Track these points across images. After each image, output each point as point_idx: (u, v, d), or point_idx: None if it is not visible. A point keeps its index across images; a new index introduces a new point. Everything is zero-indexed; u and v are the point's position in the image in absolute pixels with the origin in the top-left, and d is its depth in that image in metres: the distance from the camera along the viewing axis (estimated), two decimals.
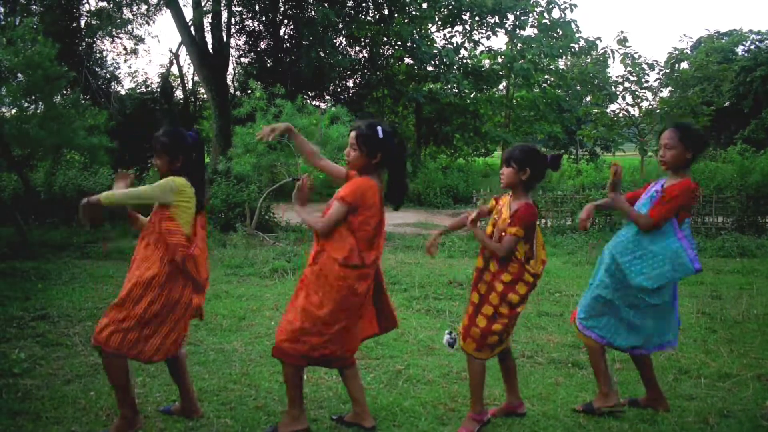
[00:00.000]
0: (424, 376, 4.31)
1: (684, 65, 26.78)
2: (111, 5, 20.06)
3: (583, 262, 9.36)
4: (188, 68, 25.04)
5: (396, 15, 23.70)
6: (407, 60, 24.91)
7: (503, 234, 3.44)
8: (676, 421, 3.62)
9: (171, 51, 25.24)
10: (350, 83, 24.69)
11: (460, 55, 24.96)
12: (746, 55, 37.01)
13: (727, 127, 35.66)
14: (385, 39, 24.03)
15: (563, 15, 24.04)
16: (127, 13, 20.81)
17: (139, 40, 21.83)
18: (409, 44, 23.37)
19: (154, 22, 26.86)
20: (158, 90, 23.95)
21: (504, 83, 25.92)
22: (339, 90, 24.18)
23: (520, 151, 3.52)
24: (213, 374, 4.32)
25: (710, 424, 3.59)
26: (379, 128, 3.40)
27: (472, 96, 25.85)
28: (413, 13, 23.78)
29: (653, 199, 3.65)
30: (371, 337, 3.64)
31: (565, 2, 23.91)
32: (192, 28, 19.50)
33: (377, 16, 23.88)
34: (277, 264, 8.49)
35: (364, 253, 3.31)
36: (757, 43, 37.45)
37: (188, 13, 19.56)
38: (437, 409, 3.79)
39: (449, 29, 25.36)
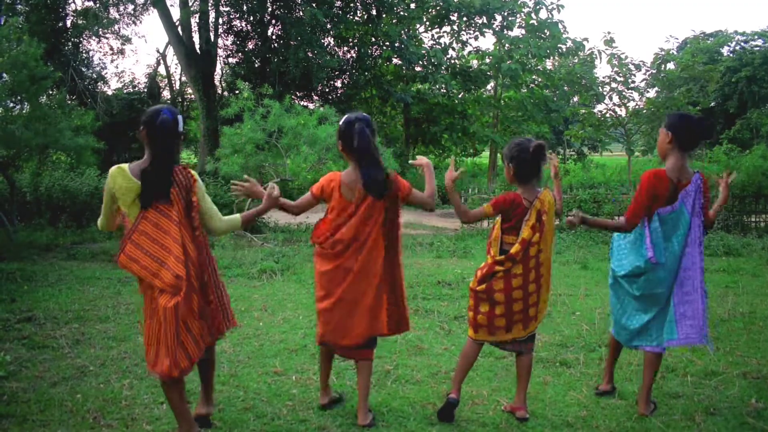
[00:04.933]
0: (413, 376, 4.32)
1: (670, 66, 26.97)
2: (97, 5, 19.94)
3: (571, 261, 9.40)
4: (175, 68, 24.96)
5: (384, 15, 23.70)
6: (395, 60, 24.92)
7: None
8: (663, 419, 3.64)
9: (158, 51, 25.12)
10: (338, 83, 24.66)
11: (448, 56, 25.01)
12: (731, 55, 37.31)
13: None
14: (374, 39, 24.03)
15: (550, 16, 24.18)
16: (113, 13, 20.70)
17: (126, 40, 21.72)
18: (397, 45, 23.38)
19: (141, 21, 26.73)
20: (145, 90, 23.83)
21: (492, 83, 26.00)
22: (327, 90, 24.15)
23: (507, 147, 3.68)
24: None
25: (697, 421, 3.61)
26: (342, 120, 3.65)
27: (460, 96, 25.92)
28: (401, 13, 23.80)
29: None
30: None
31: (552, 3, 24.03)
32: (179, 28, 19.40)
33: (365, 17, 23.87)
34: (265, 265, 8.47)
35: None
36: (742, 44, 37.76)
37: (175, 13, 19.47)
38: (426, 409, 3.79)
39: (437, 30, 25.41)
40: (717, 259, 9.72)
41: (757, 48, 36.35)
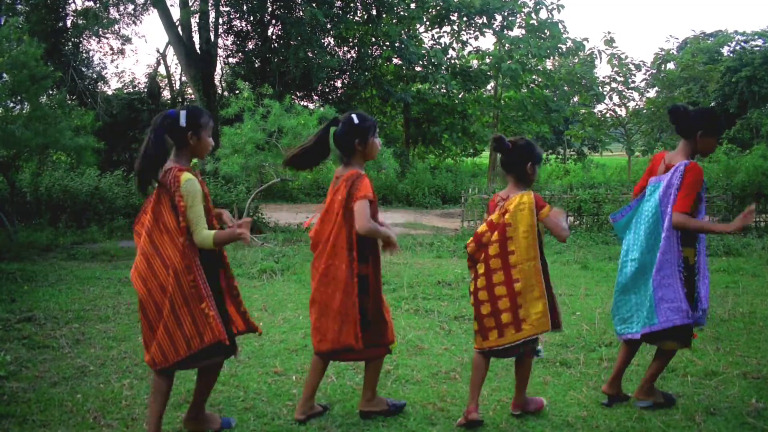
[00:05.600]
0: (413, 376, 4.32)
1: (670, 66, 26.98)
2: (97, 5, 19.94)
3: (571, 261, 9.40)
4: (176, 68, 24.93)
5: (384, 15, 23.71)
6: (395, 60, 24.92)
7: None
8: (663, 419, 3.64)
9: (158, 51, 25.10)
10: (338, 83, 24.67)
11: (448, 56, 25.00)
12: (732, 55, 37.26)
13: None
14: (374, 39, 24.03)
15: (550, 16, 24.15)
16: (113, 13, 20.70)
17: (126, 40, 21.72)
18: (397, 44, 23.39)
19: (141, 21, 26.73)
20: (145, 90, 23.82)
21: (492, 83, 25.98)
22: (327, 90, 24.16)
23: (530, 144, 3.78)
24: None
25: (697, 422, 3.61)
26: (353, 115, 3.67)
27: (460, 96, 25.91)
28: (401, 13, 23.80)
29: None
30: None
31: (552, 3, 24.01)
32: (179, 28, 19.41)
33: (365, 17, 23.88)
34: (265, 265, 8.47)
35: None
36: (742, 43, 37.71)
37: (175, 13, 19.49)
38: (426, 408, 3.80)
39: (437, 30, 25.41)
40: (717, 259, 9.71)
41: (757, 48, 36.31)
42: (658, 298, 3.65)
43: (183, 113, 3.27)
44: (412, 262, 9.16)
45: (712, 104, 34.53)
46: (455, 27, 24.99)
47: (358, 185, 3.47)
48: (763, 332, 5.44)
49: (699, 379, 4.29)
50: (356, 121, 3.59)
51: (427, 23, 25.28)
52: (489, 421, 3.62)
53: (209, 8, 19.96)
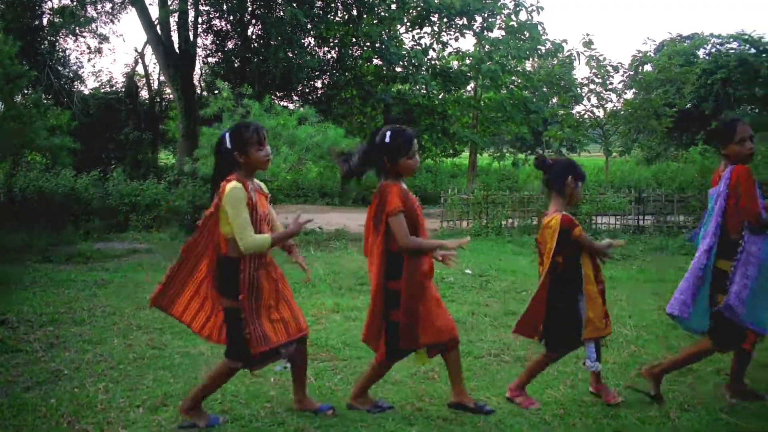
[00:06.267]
0: (392, 377, 4.31)
1: (647, 68, 27.28)
2: (74, 3, 19.69)
3: None
4: (154, 68, 24.69)
5: (365, 16, 23.68)
6: (376, 61, 24.90)
7: None
8: (639, 416, 3.68)
9: (136, 50, 24.78)
10: (318, 84, 24.58)
11: (429, 57, 25.03)
12: (707, 58, 37.74)
13: (689, 129, 36.39)
14: (354, 40, 23.99)
15: (530, 17, 24.28)
16: (91, 11, 20.46)
17: (104, 38, 21.47)
18: (377, 45, 23.37)
19: (118, 20, 26.39)
20: (123, 90, 23.57)
21: (472, 84, 26.08)
22: (307, 90, 24.07)
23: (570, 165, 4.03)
24: (178, 378, 4.26)
25: (672, 418, 3.66)
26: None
27: (440, 97, 25.96)
28: (382, 14, 23.79)
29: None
30: None
31: (532, 5, 24.17)
32: (158, 27, 19.22)
33: (346, 17, 23.84)
34: None
35: None
36: (717, 46, 38.21)
37: (154, 12, 19.30)
38: (404, 409, 3.80)
39: (418, 30, 25.43)
40: (693, 258, 9.82)
41: (732, 51, 36.83)
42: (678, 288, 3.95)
43: (227, 135, 3.47)
44: None
45: (688, 105, 34.97)
46: (436, 28, 25.04)
47: (387, 198, 3.53)
48: None
49: (674, 377, 4.34)
50: (387, 139, 3.61)
51: (408, 24, 25.30)
52: (467, 420, 3.63)
53: (188, 7, 19.78)
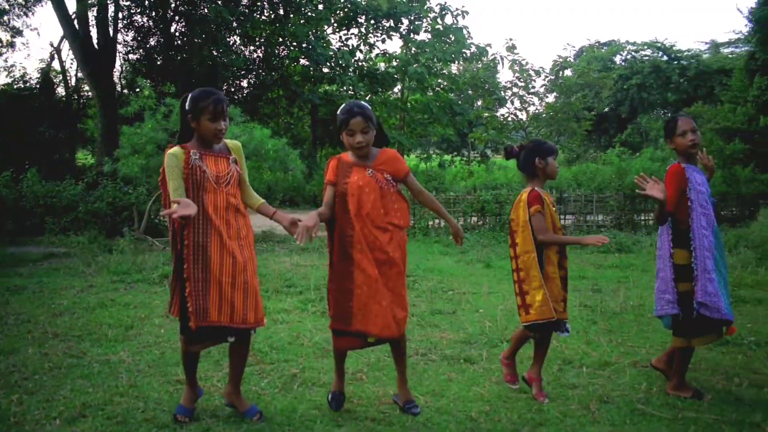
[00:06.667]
0: (320, 379, 4.30)
1: (568, 72, 28.23)
2: None
3: (474, 260, 9.64)
4: (71, 64, 23.68)
5: (291, 15, 23.48)
6: (303, 61, 24.74)
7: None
8: (561, 410, 3.80)
9: (52, 45, 23.77)
10: (244, 83, 24.20)
11: (356, 58, 25.08)
12: (623, 64, 39.40)
13: (607, 131, 37.92)
14: (281, 39, 23.74)
15: (455, 21, 24.70)
16: (3, 3, 19.41)
17: (17, 32, 20.43)
18: (304, 45, 23.22)
19: (33, 13, 25.22)
20: (38, 86, 22.49)
21: (398, 86, 26.31)
22: (233, 90, 23.65)
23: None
24: (98, 387, 4.10)
25: (591, 410, 3.80)
26: (364, 102, 3.73)
27: (367, 98, 26.05)
28: (309, 14, 23.65)
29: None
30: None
31: (457, 9, 24.61)
32: (75, 22, 18.44)
33: (272, 16, 23.57)
34: (167, 269, 8.17)
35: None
36: (633, 53, 39.94)
37: (71, 6, 18.50)
38: (333, 411, 3.78)
39: (345, 31, 25.43)
40: (611, 255, 10.25)
41: (646, 57, 38.59)
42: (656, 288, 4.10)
43: (188, 96, 3.50)
44: (320, 264, 9.12)
45: (606, 109, 36.37)
46: (363, 29, 25.11)
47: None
48: (651, 324, 5.77)
49: (593, 370, 4.51)
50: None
51: (335, 25, 25.26)
52: (396, 420, 3.65)
53: (108, 2, 19.07)
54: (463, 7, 24.49)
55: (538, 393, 3.98)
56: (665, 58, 36.79)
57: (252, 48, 24.20)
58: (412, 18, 24.44)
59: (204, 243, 3.39)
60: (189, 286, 3.37)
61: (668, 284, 3.96)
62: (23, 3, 19.72)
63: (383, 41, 25.36)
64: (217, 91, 3.57)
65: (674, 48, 37.19)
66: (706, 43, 41.45)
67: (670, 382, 4.10)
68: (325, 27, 25.06)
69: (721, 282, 3.97)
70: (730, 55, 35.06)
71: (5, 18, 19.61)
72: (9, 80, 21.97)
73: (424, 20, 24.77)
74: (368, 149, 3.72)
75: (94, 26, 19.04)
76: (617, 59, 39.29)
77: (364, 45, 25.32)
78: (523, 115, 27.13)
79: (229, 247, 3.44)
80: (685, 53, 36.74)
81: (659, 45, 37.47)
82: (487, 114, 28.10)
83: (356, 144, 3.65)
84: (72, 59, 22.01)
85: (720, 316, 3.88)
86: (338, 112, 3.73)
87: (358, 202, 3.64)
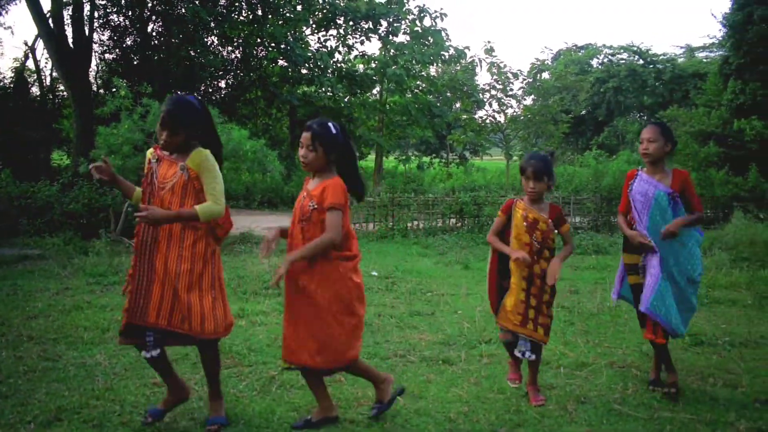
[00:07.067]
0: (298, 381, 4.28)
1: (545, 75, 28.50)
2: None
3: (453, 262, 9.68)
4: (46, 63, 23.36)
5: (270, 16, 23.40)
6: (281, 62, 24.67)
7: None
8: (538, 410, 3.83)
9: (26, 44, 23.37)
10: (222, 84, 24.06)
11: (335, 59, 25.07)
12: (600, 67, 39.79)
13: (584, 134, 38.29)
14: (259, 40, 23.65)
15: (434, 23, 24.81)
16: None
17: None
18: (283, 46, 23.16)
19: (7, 12, 24.78)
20: (12, 85, 22.14)
21: (377, 88, 26.35)
22: (211, 90, 23.50)
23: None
24: (74, 390, 4.05)
25: (569, 410, 3.83)
26: (331, 125, 3.44)
27: (346, 100, 26.05)
28: (287, 15, 23.59)
29: (670, 198, 4.06)
30: None
31: (436, 11, 24.70)
32: (50, 21, 18.19)
33: (251, 17, 23.47)
34: None
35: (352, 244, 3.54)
36: (609, 56, 40.36)
37: (46, 4, 18.23)
38: (311, 413, 3.77)
39: (324, 33, 25.42)
40: (588, 257, 10.35)
41: (623, 61, 39.00)
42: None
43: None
44: None
45: (583, 112, 36.73)
46: (341, 31, 25.12)
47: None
48: (627, 324, 5.85)
49: (570, 371, 4.55)
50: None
51: (314, 26, 25.23)
52: (373, 422, 3.66)
53: (83, 1, 18.83)
54: (441, 9, 24.63)
55: (534, 398, 3.99)
56: (641, 61, 37.27)
57: (230, 48, 24.08)
58: (391, 20, 24.50)
59: (152, 244, 3.52)
60: (130, 280, 3.60)
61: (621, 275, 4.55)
62: None
63: (362, 43, 25.38)
64: (178, 100, 3.47)
65: (650, 52, 37.70)
66: (682, 47, 42.07)
67: (672, 379, 4.18)
68: (304, 28, 25.03)
69: (673, 290, 4.05)
70: (705, 60, 35.59)
71: None
72: None
73: (403, 22, 24.84)
74: (311, 167, 3.50)
75: (69, 25, 18.79)
76: (594, 63, 39.72)
77: (343, 46, 25.33)
78: (501, 118, 27.30)
79: (164, 252, 3.48)
80: (660, 57, 37.25)
81: (635, 49, 37.95)
82: (465, 116, 28.24)
83: (300, 157, 3.51)
84: (47, 58, 21.73)
85: (644, 310, 4.06)
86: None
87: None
